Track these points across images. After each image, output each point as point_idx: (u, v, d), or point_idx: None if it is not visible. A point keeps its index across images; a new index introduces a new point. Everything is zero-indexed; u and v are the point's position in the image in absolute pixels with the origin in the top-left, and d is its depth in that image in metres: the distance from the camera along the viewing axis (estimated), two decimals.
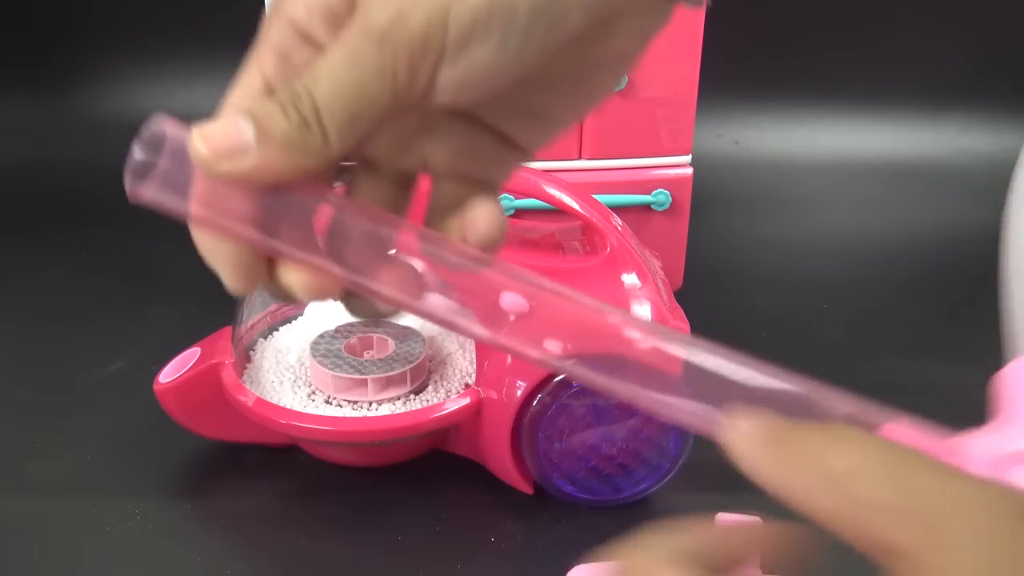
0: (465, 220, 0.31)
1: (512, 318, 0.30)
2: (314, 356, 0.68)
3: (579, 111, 0.32)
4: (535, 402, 0.64)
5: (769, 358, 0.96)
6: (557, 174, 0.69)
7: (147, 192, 0.28)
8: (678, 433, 0.65)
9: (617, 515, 0.67)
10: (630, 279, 0.65)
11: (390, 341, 0.70)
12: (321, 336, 0.71)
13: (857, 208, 1.17)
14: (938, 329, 0.92)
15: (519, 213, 0.86)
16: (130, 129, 1.18)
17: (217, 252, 0.29)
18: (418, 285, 0.29)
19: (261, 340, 0.74)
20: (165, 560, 0.62)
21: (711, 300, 0.93)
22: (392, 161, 0.32)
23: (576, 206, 0.66)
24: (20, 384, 0.81)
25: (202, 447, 0.71)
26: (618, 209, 0.77)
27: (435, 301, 0.30)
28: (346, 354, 0.69)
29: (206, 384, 0.67)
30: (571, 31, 0.28)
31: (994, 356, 0.90)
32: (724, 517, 0.34)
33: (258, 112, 0.27)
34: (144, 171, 0.28)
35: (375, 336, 0.71)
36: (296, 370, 0.70)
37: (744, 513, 0.68)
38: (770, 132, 1.27)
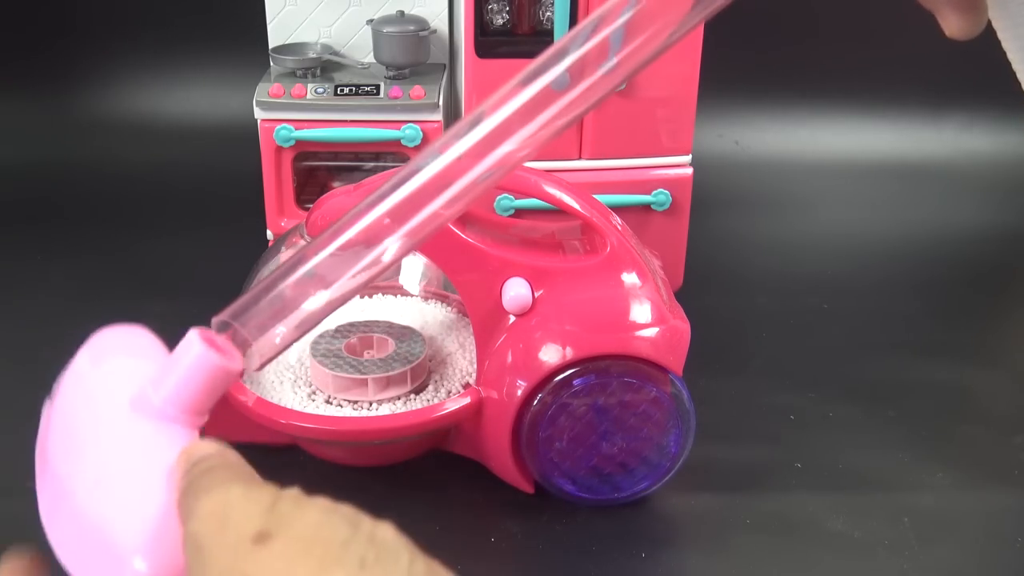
0: None
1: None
2: (314, 356, 0.68)
3: None
4: (535, 402, 0.64)
5: (769, 358, 0.96)
6: (557, 174, 0.69)
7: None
8: (678, 432, 0.65)
9: (617, 514, 0.67)
10: (630, 279, 0.65)
11: (390, 341, 0.71)
12: (321, 336, 0.71)
13: (857, 208, 1.17)
14: (938, 329, 0.92)
15: (519, 213, 0.86)
16: (130, 129, 1.19)
17: None
18: None
19: None
20: None
21: (711, 300, 0.93)
22: None
23: (576, 206, 0.66)
24: (20, 384, 0.81)
25: None
26: (618, 209, 0.76)
27: None
28: (346, 354, 0.69)
29: None
30: None
31: (993, 356, 0.90)
32: None
33: None
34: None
35: (375, 336, 0.71)
36: (296, 370, 0.70)
37: (745, 512, 0.69)
38: (770, 132, 1.27)
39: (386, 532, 0.29)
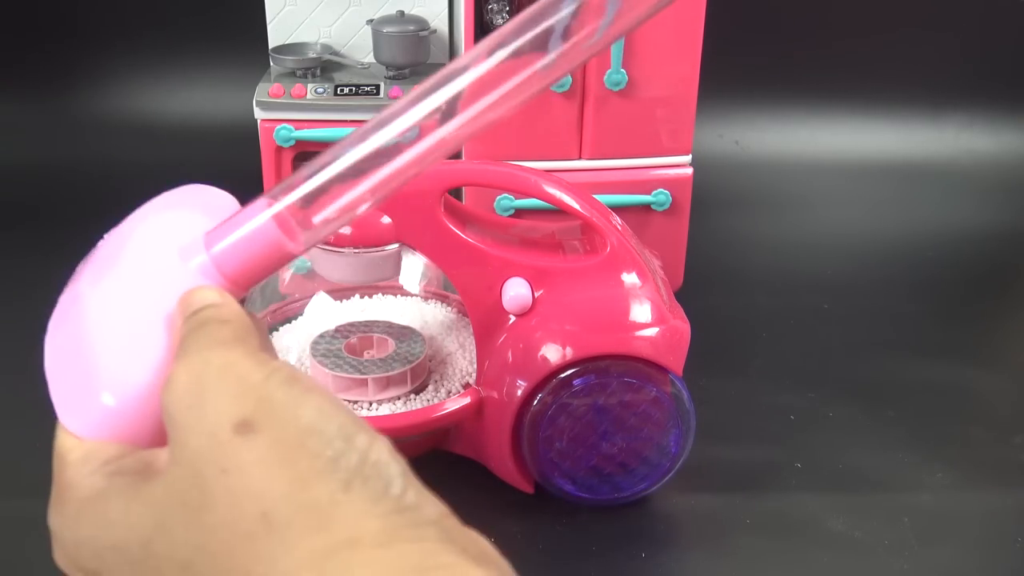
0: None
1: None
2: (314, 356, 0.68)
3: None
4: (535, 401, 0.64)
5: (769, 358, 0.96)
6: (557, 174, 0.69)
7: None
8: (678, 432, 0.65)
9: (617, 514, 0.67)
10: (630, 279, 0.65)
11: (390, 341, 0.71)
12: (321, 336, 0.71)
13: (857, 208, 1.17)
14: (938, 329, 0.92)
15: (519, 213, 0.86)
16: (130, 129, 1.19)
17: None
18: None
19: None
20: None
21: (711, 300, 0.93)
22: None
23: (576, 206, 0.66)
24: (20, 384, 0.81)
25: None
26: (618, 209, 0.77)
27: None
28: (346, 354, 0.69)
29: None
30: None
31: (994, 356, 0.90)
32: None
33: None
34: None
35: (375, 336, 0.71)
36: None
37: (745, 512, 0.69)
38: (770, 132, 1.27)
39: (381, 452, 0.26)
